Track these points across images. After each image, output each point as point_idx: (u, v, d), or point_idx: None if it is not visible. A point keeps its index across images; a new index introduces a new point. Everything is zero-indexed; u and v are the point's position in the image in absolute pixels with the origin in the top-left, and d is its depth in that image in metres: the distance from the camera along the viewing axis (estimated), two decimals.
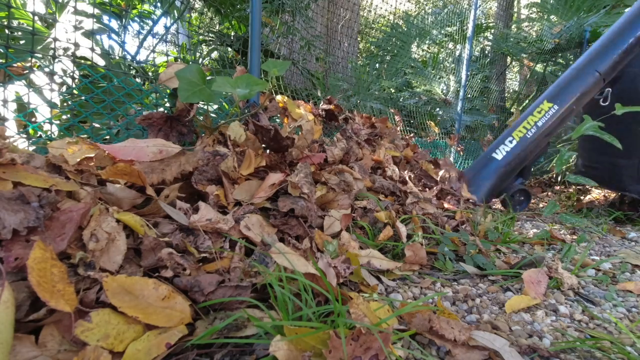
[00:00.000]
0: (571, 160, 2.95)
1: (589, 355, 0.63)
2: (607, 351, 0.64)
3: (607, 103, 1.98)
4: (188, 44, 2.21)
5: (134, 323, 0.53)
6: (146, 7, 2.34)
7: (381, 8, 3.19)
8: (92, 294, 0.55)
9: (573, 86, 2.06)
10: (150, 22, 2.26)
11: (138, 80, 1.60)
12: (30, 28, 1.25)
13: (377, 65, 3.70)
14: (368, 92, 2.85)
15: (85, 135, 1.14)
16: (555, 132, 2.13)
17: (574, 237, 1.56)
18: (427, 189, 1.69)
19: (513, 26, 6.15)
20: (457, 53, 3.83)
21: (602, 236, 1.60)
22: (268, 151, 1.16)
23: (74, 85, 1.25)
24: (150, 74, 1.82)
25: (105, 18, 1.62)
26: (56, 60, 1.19)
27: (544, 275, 0.93)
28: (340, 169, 1.24)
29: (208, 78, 1.04)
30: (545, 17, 4.74)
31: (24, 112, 1.10)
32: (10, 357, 0.43)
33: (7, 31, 1.15)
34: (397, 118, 2.65)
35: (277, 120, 1.55)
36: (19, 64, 1.17)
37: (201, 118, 1.23)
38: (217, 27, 2.44)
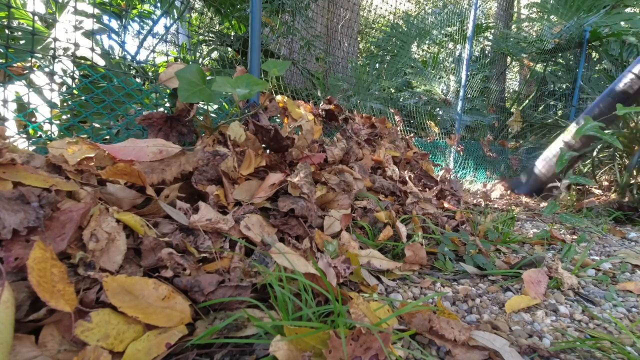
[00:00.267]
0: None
1: (589, 355, 0.63)
2: (607, 351, 0.64)
3: None
4: (188, 44, 2.21)
5: (134, 323, 0.53)
6: (146, 7, 2.33)
7: (381, 8, 3.19)
8: (92, 294, 0.55)
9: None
10: (150, 22, 2.26)
11: (138, 80, 1.60)
12: (30, 28, 1.25)
13: (377, 65, 3.70)
14: (368, 92, 2.85)
15: (85, 135, 1.14)
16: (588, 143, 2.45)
17: (574, 237, 1.56)
18: (427, 189, 1.69)
19: (513, 26, 6.15)
20: (457, 53, 3.83)
21: (602, 236, 1.60)
22: (268, 151, 1.16)
23: (74, 85, 1.25)
24: (150, 74, 1.82)
25: (105, 18, 1.62)
26: (56, 60, 1.19)
27: (544, 275, 0.93)
28: (340, 169, 1.24)
29: (208, 78, 1.04)
30: (545, 17, 4.74)
31: (24, 112, 1.10)
32: (10, 357, 0.43)
33: (7, 31, 1.15)
34: (397, 118, 2.65)
35: (277, 120, 1.55)
36: (19, 64, 1.17)
37: (201, 118, 1.23)
38: (217, 27, 2.44)
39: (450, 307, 0.80)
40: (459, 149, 3.19)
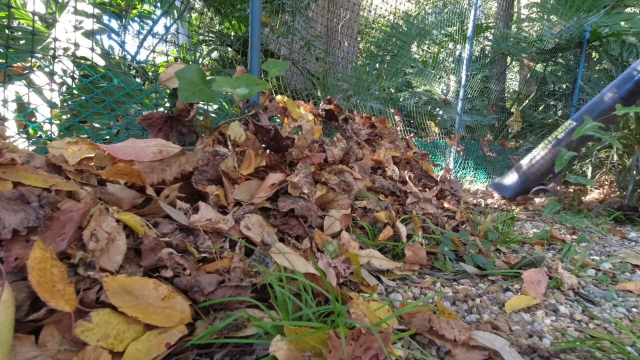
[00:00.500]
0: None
1: (589, 355, 0.63)
2: (607, 351, 0.64)
3: None
4: (188, 44, 2.21)
5: (134, 323, 0.53)
6: (146, 7, 2.33)
7: (381, 8, 3.19)
8: (92, 294, 0.55)
9: (593, 109, 2.32)
10: (150, 22, 2.26)
11: (138, 80, 1.60)
12: (30, 28, 1.25)
13: (377, 65, 3.70)
14: (368, 92, 2.85)
15: (85, 135, 1.14)
16: (576, 147, 2.40)
17: (574, 237, 1.56)
18: (427, 189, 1.70)
19: (513, 26, 6.15)
20: (457, 53, 3.83)
21: (602, 236, 1.60)
22: (268, 151, 1.16)
23: (74, 85, 1.25)
24: (150, 74, 1.82)
25: (105, 18, 1.62)
26: (56, 60, 1.19)
27: (544, 275, 0.93)
28: (340, 169, 1.24)
29: (208, 78, 1.04)
30: (545, 17, 4.74)
31: (24, 112, 1.10)
32: (10, 357, 0.43)
33: (7, 31, 1.15)
34: (397, 118, 2.65)
35: (277, 120, 1.55)
36: (19, 64, 1.17)
37: (201, 118, 1.23)
38: (217, 27, 2.44)
39: (450, 307, 0.80)
40: (459, 149, 3.19)
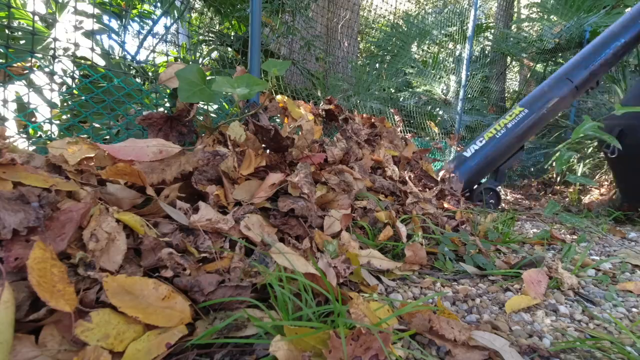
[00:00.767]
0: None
1: (589, 355, 0.63)
2: (607, 351, 0.64)
3: (614, 155, 1.97)
4: (188, 44, 2.21)
5: (134, 323, 0.53)
6: (146, 7, 2.33)
7: (381, 8, 3.19)
8: (92, 294, 0.55)
9: (546, 93, 2.14)
10: (150, 22, 2.26)
11: (138, 80, 1.60)
12: (30, 28, 1.25)
13: (377, 65, 3.70)
14: (368, 92, 2.85)
15: (85, 135, 1.14)
16: (527, 137, 2.16)
17: (574, 237, 1.56)
18: (427, 189, 1.69)
19: (513, 26, 6.15)
20: (457, 53, 3.83)
21: (602, 236, 1.60)
22: (268, 151, 1.16)
23: (74, 85, 1.25)
24: (150, 74, 1.82)
25: (105, 18, 1.62)
26: (56, 60, 1.19)
27: (544, 275, 0.93)
28: (340, 169, 1.24)
29: (208, 78, 1.04)
30: (545, 17, 4.74)
31: (24, 112, 1.10)
32: (10, 357, 0.43)
33: (7, 31, 1.15)
34: (397, 118, 2.65)
35: (277, 120, 1.55)
36: (19, 64, 1.17)
37: (201, 118, 1.23)
38: (217, 27, 2.44)
39: (450, 307, 0.80)
40: (459, 149, 3.19)
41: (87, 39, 1.28)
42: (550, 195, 2.94)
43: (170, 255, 0.65)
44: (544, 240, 1.39)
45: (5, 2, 1.15)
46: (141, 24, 2.26)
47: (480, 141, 2.11)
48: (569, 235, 1.58)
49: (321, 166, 1.27)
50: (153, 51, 2.00)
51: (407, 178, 1.57)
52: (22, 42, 1.29)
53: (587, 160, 2.87)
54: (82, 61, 1.28)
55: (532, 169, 3.68)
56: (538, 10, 5.08)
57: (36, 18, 1.32)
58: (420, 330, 0.63)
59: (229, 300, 0.63)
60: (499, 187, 2.22)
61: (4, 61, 1.09)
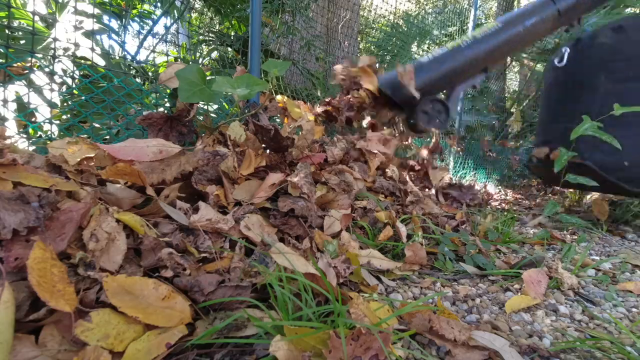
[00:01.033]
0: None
1: (589, 355, 0.63)
2: (607, 351, 0.64)
3: (562, 63, 1.87)
4: (188, 44, 2.21)
5: (134, 323, 0.53)
6: (146, 7, 2.34)
7: (381, 8, 3.19)
8: (92, 294, 0.55)
9: (526, 12, 1.84)
10: (150, 22, 2.26)
11: (138, 80, 1.60)
12: (30, 28, 1.25)
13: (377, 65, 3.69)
14: None
15: (85, 135, 1.14)
16: (495, 56, 1.81)
17: (574, 237, 1.56)
18: (427, 189, 1.69)
19: None
20: None
21: (602, 236, 1.60)
22: (268, 151, 1.16)
23: (74, 85, 1.25)
24: (150, 74, 1.82)
25: (105, 18, 1.62)
26: (56, 60, 1.19)
27: (544, 275, 0.93)
28: (340, 169, 1.24)
29: (208, 78, 1.04)
30: None
31: (24, 112, 1.10)
32: (10, 357, 0.43)
33: (7, 31, 1.15)
34: None
35: (277, 120, 1.55)
36: (19, 64, 1.17)
37: (201, 118, 1.23)
38: (217, 27, 2.44)
39: (450, 307, 0.80)
40: (459, 149, 3.19)
41: (87, 39, 1.28)
42: (550, 195, 2.94)
43: (170, 255, 0.65)
44: (544, 240, 1.39)
45: (5, 2, 1.15)
46: (141, 24, 2.26)
47: (442, 49, 1.75)
48: (569, 235, 1.58)
49: (321, 166, 1.27)
50: (153, 51, 2.01)
51: (407, 178, 1.57)
52: (22, 42, 1.29)
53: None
54: (82, 61, 1.28)
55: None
56: None
57: (36, 18, 1.32)
58: (420, 330, 0.63)
59: (229, 300, 0.63)
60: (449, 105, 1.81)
61: (4, 61, 1.09)
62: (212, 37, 2.25)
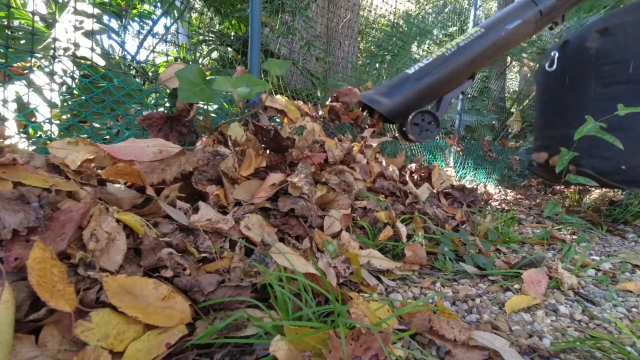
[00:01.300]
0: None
1: (589, 355, 0.63)
2: (607, 351, 0.64)
3: (553, 68, 1.85)
4: (188, 44, 2.21)
5: (134, 323, 0.53)
6: (146, 7, 2.34)
7: (381, 8, 3.19)
8: (92, 294, 0.55)
9: (507, 15, 1.83)
10: (150, 22, 2.26)
11: (138, 80, 1.60)
12: (30, 28, 1.25)
13: (377, 65, 3.69)
14: None
15: (85, 135, 1.14)
16: (481, 61, 1.80)
17: (574, 237, 1.56)
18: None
19: None
20: None
21: (602, 236, 1.60)
22: (268, 151, 1.16)
23: (74, 85, 1.25)
24: (150, 74, 1.82)
25: (105, 18, 1.62)
26: (56, 60, 1.19)
27: (544, 275, 0.93)
28: (340, 169, 1.24)
29: (208, 78, 1.04)
30: None
31: (24, 112, 1.10)
32: (10, 357, 0.43)
33: (7, 31, 1.15)
34: None
35: (277, 120, 1.55)
36: (19, 64, 1.17)
37: (201, 118, 1.23)
38: (217, 27, 2.44)
39: (450, 307, 0.80)
40: (459, 149, 3.19)
41: (87, 39, 1.28)
42: (550, 195, 2.94)
43: (170, 255, 0.65)
44: (544, 240, 1.39)
45: (5, 2, 1.15)
46: (141, 24, 2.26)
47: (428, 59, 1.74)
48: (569, 235, 1.58)
49: (321, 166, 1.27)
50: (153, 51, 2.01)
51: (407, 178, 1.57)
52: (22, 42, 1.29)
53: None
54: (82, 61, 1.28)
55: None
56: None
57: (36, 18, 1.32)
58: (420, 330, 0.63)
59: (229, 300, 0.63)
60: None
61: (4, 61, 1.09)
62: (212, 37, 2.25)
